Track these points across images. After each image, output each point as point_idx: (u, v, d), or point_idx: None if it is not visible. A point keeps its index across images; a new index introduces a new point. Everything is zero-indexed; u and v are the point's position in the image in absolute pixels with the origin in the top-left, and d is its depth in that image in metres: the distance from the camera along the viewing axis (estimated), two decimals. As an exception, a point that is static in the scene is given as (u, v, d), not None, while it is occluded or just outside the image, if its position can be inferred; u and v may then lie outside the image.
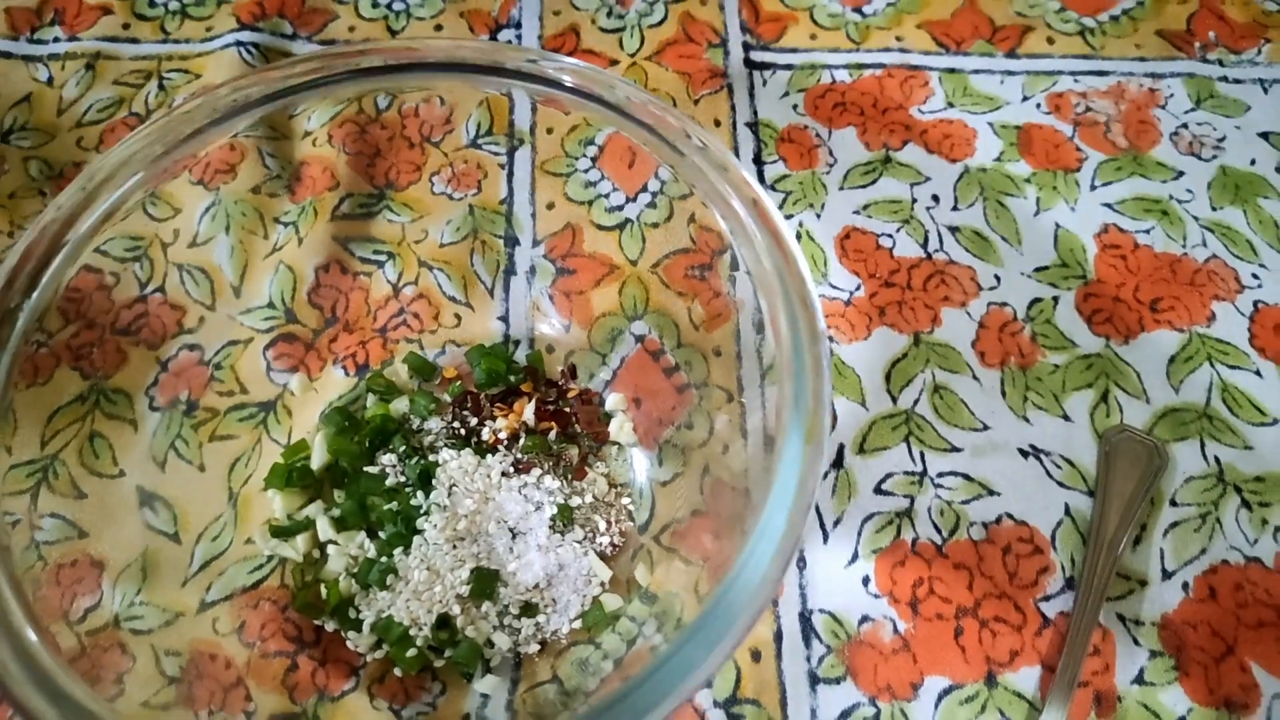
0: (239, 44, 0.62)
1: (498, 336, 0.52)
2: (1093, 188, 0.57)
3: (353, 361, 0.51)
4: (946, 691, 0.44)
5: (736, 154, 0.59)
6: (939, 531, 0.47)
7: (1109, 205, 0.57)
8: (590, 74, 0.43)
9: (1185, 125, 0.60)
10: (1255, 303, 0.54)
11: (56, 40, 0.63)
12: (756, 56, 0.62)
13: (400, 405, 0.49)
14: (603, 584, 0.45)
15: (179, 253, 0.49)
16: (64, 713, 0.32)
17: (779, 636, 0.45)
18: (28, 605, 0.34)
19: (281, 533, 0.45)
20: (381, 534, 0.45)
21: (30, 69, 0.62)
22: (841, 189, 0.57)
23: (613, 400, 0.49)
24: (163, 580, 0.44)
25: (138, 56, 0.63)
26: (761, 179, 0.59)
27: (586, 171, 0.56)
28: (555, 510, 0.45)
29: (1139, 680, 0.44)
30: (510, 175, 0.56)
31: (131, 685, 0.39)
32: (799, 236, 0.57)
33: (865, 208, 0.57)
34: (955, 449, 0.49)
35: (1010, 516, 0.48)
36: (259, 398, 0.50)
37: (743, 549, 0.33)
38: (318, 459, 0.47)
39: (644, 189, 0.54)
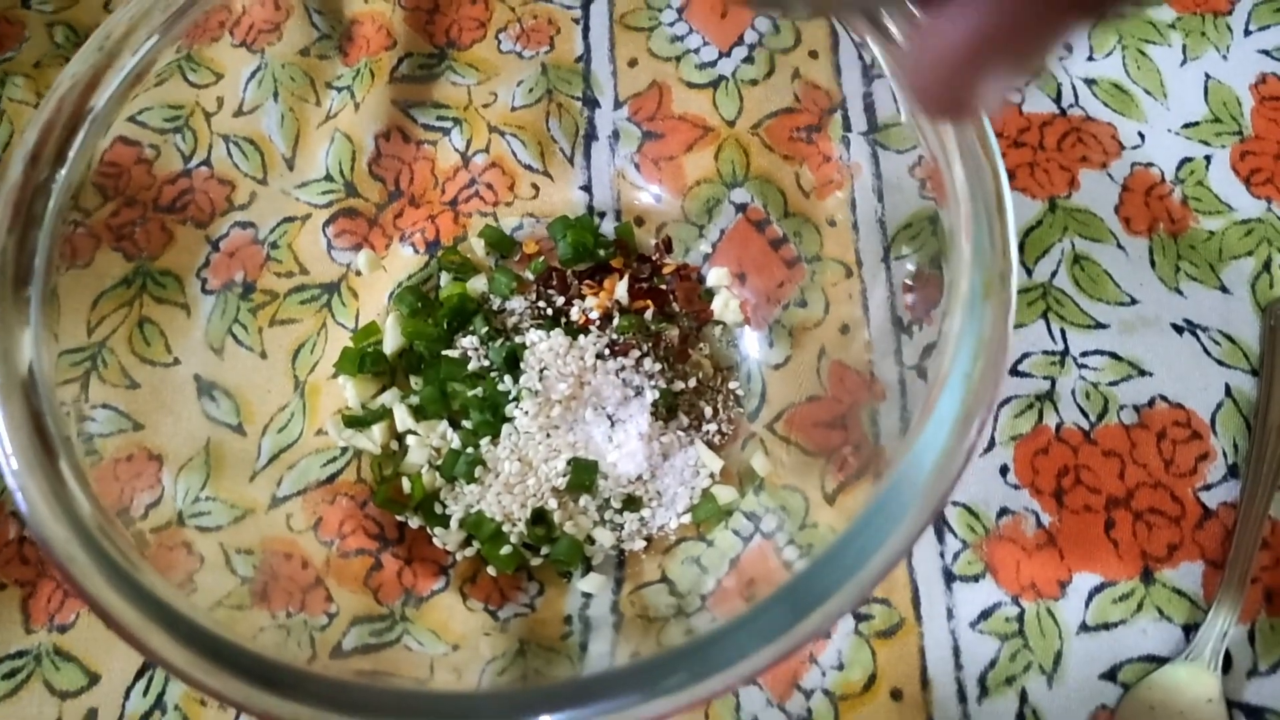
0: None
1: (581, 208, 0.47)
2: (1247, 33, 0.50)
3: (422, 238, 0.46)
4: (1098, 589, 0.39)
5: None
6: (1085, 416, 0.42)
7: (1266, 52, 0.50)
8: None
9: (1354, -42, 0.52)
10: None
11: (75, -105, 0.57)
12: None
13: (478, 284, 0.44)
14: (713, 475, 0.40)
15: (224, 123, 0.44)
16: (140, 605, 0.28)
17: (908, 531, 0.40)
18: (94, 498, 0.30)
19: (356, 422, 0.41)
20: (466, 423, 0.41)
21: (48, -72, 0.56)
22: (960, 39, 0.51)
23: (715, 275, 0.44)
24: (229, 474, 0.40)
25: (164, -88, 0.57)
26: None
27: (672, 25, 0.50)
28: (657, 395, 0.40)
29: (1316, 576, 0.39)
30: (586, 31, 0.50)
31: (203, 585, 0.36)
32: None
33: (988, 59, 0.50)
34: (1100, 325, 0.44)
35: (1164, 398, 0.43)
36: (321, 278, 0.45)
37: (914, 434, 0.28)
38: (391, 343, 0.42)
39: (740, 41, 0.48)
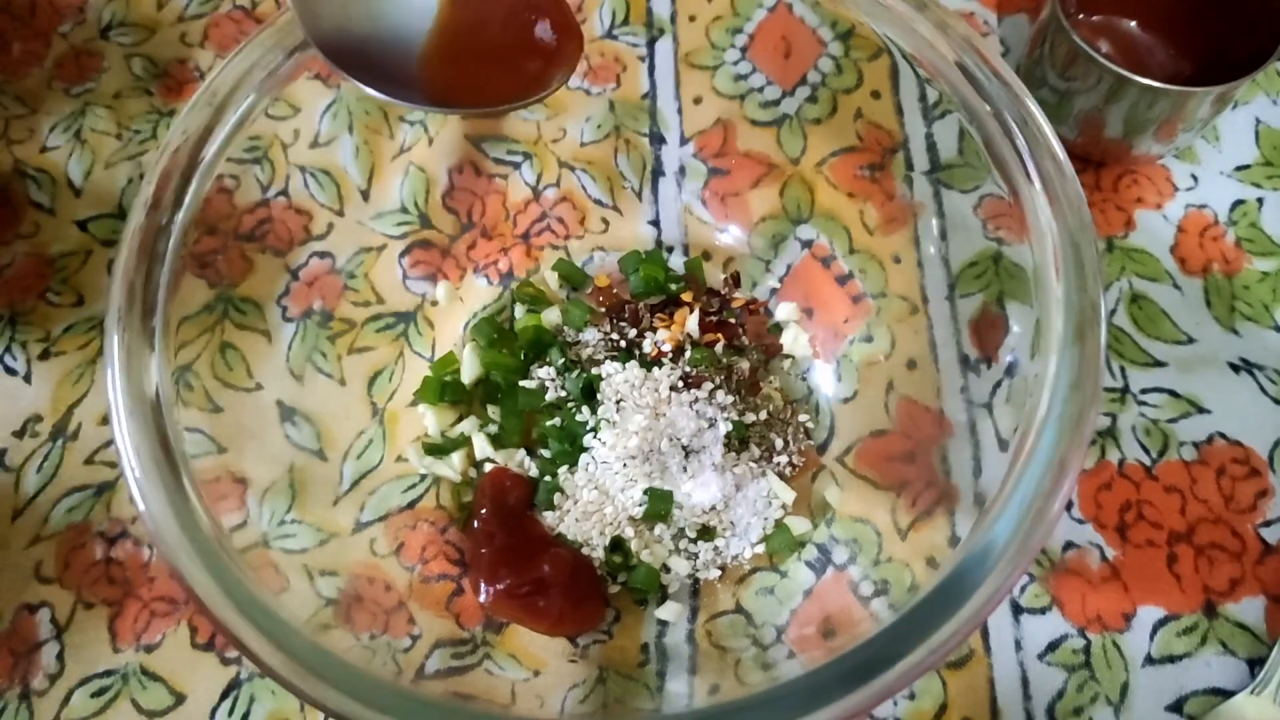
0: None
1: (649, 242, 0.48)
2: (1294, 79, 0.52)
3: (495, 270, 0.47)
4: (1162, 622, 0.40)
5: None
6: (1146, 452, 0.43)
7: (1313, 97, 0.51)
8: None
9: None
10: None
11: (150, -70, 0.58)
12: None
13: (551, 316, 0.45)
14: (785, 506, 0.41)
15: (300, 154, 0.45)
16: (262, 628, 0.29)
17: (975, 564, 0.41)
18: (210, 512, 0.31)
19: (436, 450, 0.42)
20: (544, 452, 0.42)
21: (124, -39, 0.57)
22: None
23: (783, 310, 0.45)
24: (313, 499, 0.41)
25: (237, -53, 0.58)
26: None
27: (736, 64, 0.51)
28: (730, 427, 0.41)
29: (1376, 613, 0.40)
30: (651, 69, 0.51)
31: (289, 606, 0.37)
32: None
33: (1044, 101, 0.51)
34: (1158, 363, 0.45)
35: (1223, 436, 0.44)
36: (397, 308, 0.46)
37: (1009, 481, 0.29)
38: (469, 373, 0.43)
39: (803, 81, 0.49)
